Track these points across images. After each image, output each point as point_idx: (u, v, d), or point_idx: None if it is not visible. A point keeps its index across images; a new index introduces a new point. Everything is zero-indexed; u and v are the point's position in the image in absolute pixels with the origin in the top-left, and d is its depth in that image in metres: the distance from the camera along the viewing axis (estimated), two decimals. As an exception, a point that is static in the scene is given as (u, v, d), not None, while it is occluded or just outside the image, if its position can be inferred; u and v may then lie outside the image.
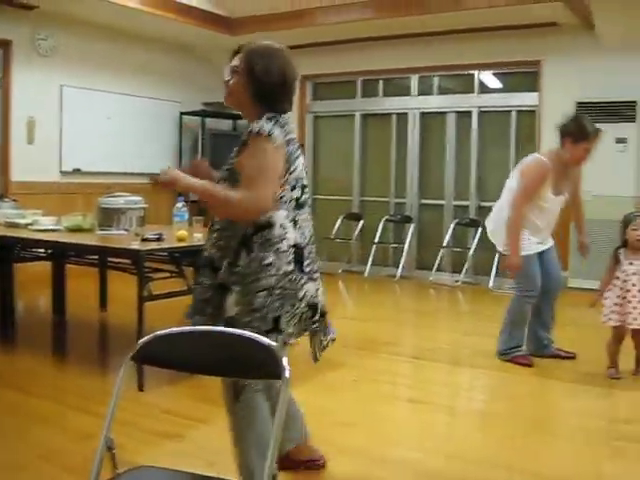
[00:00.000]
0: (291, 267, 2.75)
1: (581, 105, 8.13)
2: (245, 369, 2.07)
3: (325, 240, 10.31)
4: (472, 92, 9.75)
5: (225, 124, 11.06)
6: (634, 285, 4.62)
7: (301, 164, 2.84)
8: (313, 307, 2.84)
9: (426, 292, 9.02)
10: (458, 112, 9.88)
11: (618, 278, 4.69)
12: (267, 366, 1.94)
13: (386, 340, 6.08)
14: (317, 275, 2.91)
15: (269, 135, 2.65)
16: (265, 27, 9.23)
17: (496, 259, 8.98)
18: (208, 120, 10.56)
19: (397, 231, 10.28)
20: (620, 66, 8.20)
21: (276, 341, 2.59)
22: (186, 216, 5.44)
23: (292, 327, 2.77)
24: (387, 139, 10.44)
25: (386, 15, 8.61)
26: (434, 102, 10.10)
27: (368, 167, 10.70)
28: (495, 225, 5.34)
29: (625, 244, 4.74)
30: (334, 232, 10.26)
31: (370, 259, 9.96)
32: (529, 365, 5.13)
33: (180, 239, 4.85)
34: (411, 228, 9.98)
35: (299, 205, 2.82)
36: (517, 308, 5.25)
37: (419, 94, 10.20)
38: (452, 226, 9.64)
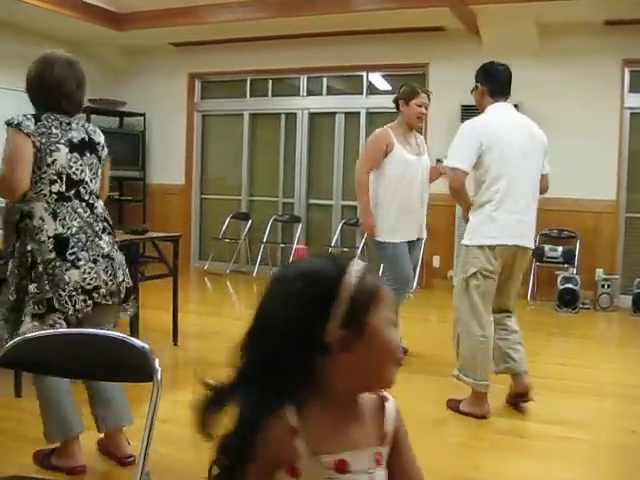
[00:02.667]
0: (52, 255, 3.00)
1: (466, 108, 8.31)
2: (117, 371, 2.03)
3: (213, 240, 10.21)
4: (361, 93, 9.83)
5: (112, 121, 10.73)
6: None
7: (65, 159, 3.06)
8: (84, 291, 3.07)
9: (314, 292, 9.00)
10: (346, 113, 9.94)
11: None
12: (139, 368, 1.87)
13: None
14: (82, 263, 3.07)
15: (16, 125, 2.97)
16: (153, 24, 9.07)
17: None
18: (93, 117, 10.23)
19: (285, 231, 10.26)
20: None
21: (50, 321, 2.99)
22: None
23: (67, 307, 3.02)
24: (276, 139, 10.42)
25: (275, 15, 8.55)
26: (323, 102, 10.13)
27: (256, 167, 10.64)
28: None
29: None
30: (222, 232, 10.15)
31: (258, 259, 9.91)
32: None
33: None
34: (299, 228, 9.99)
35: (63, 198, 3.07)
36: None
37: (308, 94, 10.22)
38: (340, 226, 9.69)
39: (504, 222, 4.11)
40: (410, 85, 5.62)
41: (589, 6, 7.59)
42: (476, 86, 4.53)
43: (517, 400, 4.25)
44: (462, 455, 3.58)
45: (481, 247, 4.11)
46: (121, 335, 1.94)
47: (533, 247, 4.35)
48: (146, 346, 1.89)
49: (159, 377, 1.83)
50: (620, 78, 8.36)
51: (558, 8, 7.64)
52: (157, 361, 1.86)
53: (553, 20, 8.11)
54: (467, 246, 4.21)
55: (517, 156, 4.13)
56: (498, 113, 4.30)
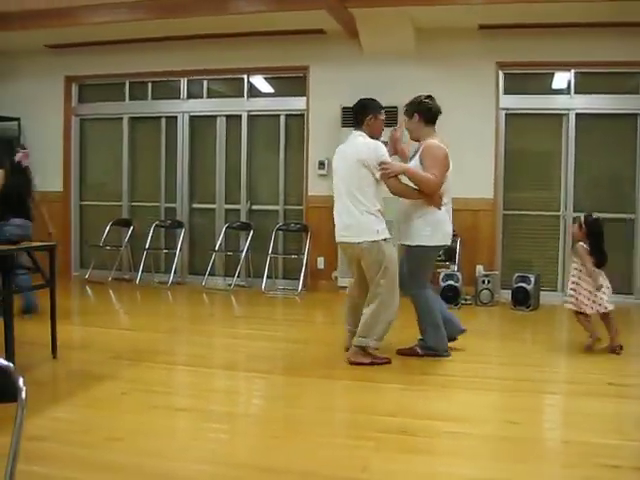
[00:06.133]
0: None
1: (346, 110, 8.37)
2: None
3: (94, 247, 9.93)
4: (242, 96, 9.77)
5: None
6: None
7: None
8: None
9: (199, 297, 8.90)
10: (228, 116, 9.87)
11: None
12: (4, 387, 1.76)
13: (159, 349, 5.90)
14: None
15: None
16: (27, 25, 8.69)
17: (268, 261, 9.08)
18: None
19: (168, 236, 10.09)
20: (382, 73, 8.54)
21: None
22: None
23: None
24: (157, 143, 10.23)
25: (153, 16, 8.37)
26: (204, 105, 10.01)
27: (137, 172, 10.43)
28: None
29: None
30: (103, 239, 9.88)
31: (141, 266, 9.71)
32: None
33: None
34: (182, 233, 9.84)
35: None
36: (430, 302, 5.55)
37: (188, 97, 10.08)
38: (224, 230, 9.61)
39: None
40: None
41: (464, 11, 7.79)
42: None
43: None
44: (348, 456, 3.56)
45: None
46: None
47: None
48: (9, 365, 1.79)
49: (23, 396, 1.74)
50: (495, 80, 8.61)
51: (434, 12, 7.81)
52: (21, 380, 1.76)
53: (429, 24, 8.28)
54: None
55: None
56: None
